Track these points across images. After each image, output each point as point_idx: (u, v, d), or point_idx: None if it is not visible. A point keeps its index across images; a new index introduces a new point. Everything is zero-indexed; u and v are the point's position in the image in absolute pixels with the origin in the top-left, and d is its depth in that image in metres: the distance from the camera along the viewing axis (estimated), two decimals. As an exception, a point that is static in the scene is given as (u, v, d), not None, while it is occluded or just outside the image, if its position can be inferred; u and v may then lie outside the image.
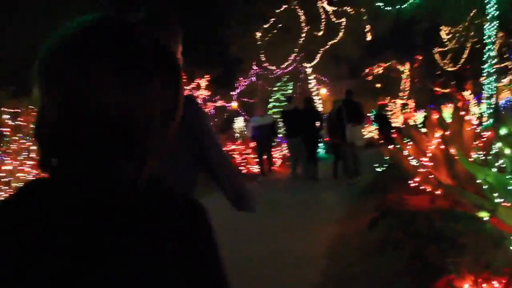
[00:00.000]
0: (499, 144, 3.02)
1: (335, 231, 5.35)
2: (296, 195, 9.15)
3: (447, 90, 39.47)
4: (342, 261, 4.23)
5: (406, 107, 36.18)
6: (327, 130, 11.04)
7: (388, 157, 7.87)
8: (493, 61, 13.91)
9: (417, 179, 5.10)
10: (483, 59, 14.09)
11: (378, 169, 10.80)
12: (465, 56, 34.18)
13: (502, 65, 36.10)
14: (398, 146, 6.24)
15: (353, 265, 3.96)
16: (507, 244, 2.61)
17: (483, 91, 38.78)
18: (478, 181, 3.32)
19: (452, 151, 4.77)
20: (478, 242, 2.72)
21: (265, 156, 12.01)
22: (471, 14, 32.72)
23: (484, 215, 2.98)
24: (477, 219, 3.13)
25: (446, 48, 34.93)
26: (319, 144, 11.54)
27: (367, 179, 10.11)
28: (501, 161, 3.17)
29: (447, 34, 35.44)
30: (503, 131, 2.95)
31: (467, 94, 38.92)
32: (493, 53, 13.86)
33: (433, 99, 40.28)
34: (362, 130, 11.31)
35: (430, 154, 4.90)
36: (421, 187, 5.10)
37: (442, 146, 4.70)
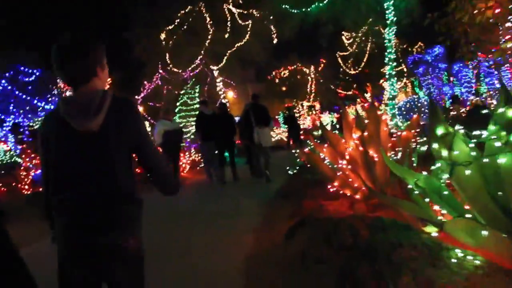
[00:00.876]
0: (435, 145, 2.74)
1: (251, 243, 4.91)
2: (209, 203, 8.61)
3: (350, 92, 41.13)
4: (262, 278, 3.80)
5: (312, 109, 37.10)
6: (238, 133, 11.38)
7: (300, 160, 7.61)
8: (394, 64, 14.40)
9: (335, 183, 4.82)
10: (384, 61, 14.56)
11: (290, 172, 10.61)
12: (365, 60, 35.83)
13: (399, 68, 38.54)
14: (312, 148, 5.97)
15: (274, 284, 3.55)
16: (449, 259, 2.32)
17: (383, 93, 40.67)
18: (409, 186, 3.05)
19: (371, 152, 4.54)
20: (416, 258, 2.40)
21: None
22: (369, 20, 34.43)
23: (432, 230, 2.70)
24: (411, 229, 2.85)
25: (347, 53, 36.39)
26: (234, 147, 11.38)
27: (279, 182, 9.87)
28: (438, 164, 2.91)
29: (348, 39, 37.00)
30: (439, 130, 2.68)
31: (367, 95, 40.86)
32: (393, 56, 14.34)
33: (337, 101, 41.80)
34: (270, 132, 11.47)
35: (348, 157, 4.64)
36: (340, 192, 4.82)
37: (361, 148, 4.45)
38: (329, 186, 4.96)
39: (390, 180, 4.56)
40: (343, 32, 35.80)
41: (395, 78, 14.49)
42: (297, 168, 10.66)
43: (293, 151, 12.37)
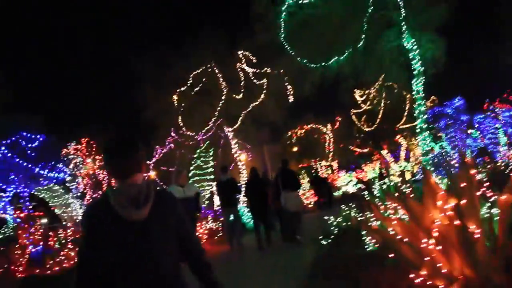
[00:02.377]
0: None
1: None
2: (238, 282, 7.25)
3: (366, 150, 39.97)
4: None
5: (330, 168, 35.87)
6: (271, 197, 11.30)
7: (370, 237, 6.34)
8: (424, 116, 13.29)
9: (422, 272, 3.46)
10: (415, 115, 13.45)
11: (323, 242, 9.27)
12: (379, 116, 34.94)
13: (414, 123, 37.57)
14: (379, 222, 4.71)
15: None
16: None
17: (400, 149, 39.48)
18: None
19: (471, 227, 3.24)
20: None
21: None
22: (381, 78, 33.80)
23: None
24: None
25: (361, 110, 35.61)
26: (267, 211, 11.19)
27: (310, 252, 8.61)
28: None
29: (361, 96, 36.35)
30: None
31: (384, 152, 39.65)
32: (423, 108, 13.25)
33: (353, 159, 40.62)
34: (298, 197, 11.46)
35: (436, 233, 3.34)
36: (428, 283, 3.46)
37: (457, 221, 3.17)
38: (411, 275, 3.58)
39: (498, 264, 3.25)
40: (355, 90, 35.41)
41: (427, 132, 13.31)
42: (332, 236, 9.35)
43: (326, 217, 11.04)
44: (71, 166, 21.03)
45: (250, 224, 15.20)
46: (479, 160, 28.62)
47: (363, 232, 7.51)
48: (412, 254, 3.68)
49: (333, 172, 35.65)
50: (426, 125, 13.20)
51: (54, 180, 17.40)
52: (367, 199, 12.77)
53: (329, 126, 33.54)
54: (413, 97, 13.31)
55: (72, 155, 21.01)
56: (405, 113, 35.09)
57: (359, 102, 35.75)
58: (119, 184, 2.17)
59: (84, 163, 22.07)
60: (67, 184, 20.82)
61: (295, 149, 35.20)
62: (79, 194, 21.66)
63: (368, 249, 6.85)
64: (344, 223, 9.72)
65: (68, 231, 11.48)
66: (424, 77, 13.30)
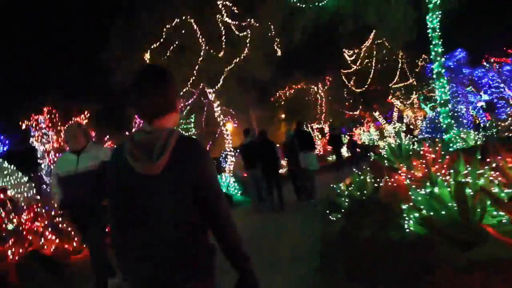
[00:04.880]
0: None
1: None
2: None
3: (357, 113, 37.98)
4: None
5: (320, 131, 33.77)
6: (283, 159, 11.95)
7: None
8: (442, 59, 11.02)
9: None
10: (431, 57, 11.16)
11: (332, 217, 7.17)
12: (371, 76, 32.88)
13: (408, 82, 35.53)
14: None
15: None
16: None
17: (392, 111, 37.50)
18: None
19: None
20: None
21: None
22: (372, 34, 31.45)
23: None
24: None
25: (351, 70, 33.51)
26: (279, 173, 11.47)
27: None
28: None
29: (350, 56, 34.11)
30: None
31: (376, 114, 37.70)
32: (440, 49, 10.97)
33: (345, 122, 38.55)
34: (315, 156, 11.74)
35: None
36: None
37: None
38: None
39: None
40: (344, 50, 33.25)
41: (445, 78, 11.06)
42: (342, 211, 7.19)
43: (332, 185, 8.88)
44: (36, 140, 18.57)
45: (237, 196, 14.52)
46: (481, 118, 26.74)
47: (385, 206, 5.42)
48: None
49: (325, 136, 33.51)
50: (443, 70, 10.96)
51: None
52: (373, 160, 10.75)
53: (320, 85, 31.11)
54: (429, 35, 10.97)
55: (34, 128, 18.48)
56: (398, 72, 33.26)
57: (348, 62, 33.75)
58: (144, 127, 1.99)
59: (49, 136, 19.52)
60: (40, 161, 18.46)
61: (283, 115, 32.98)
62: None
63: (406, 231, 4.65)
64: (358, 193, 7.47)
65: (24, 215, 9.12)
66: (440, 12, 10.99)
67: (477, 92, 28.52)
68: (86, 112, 18.31)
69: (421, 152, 7.67)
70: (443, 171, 6.79)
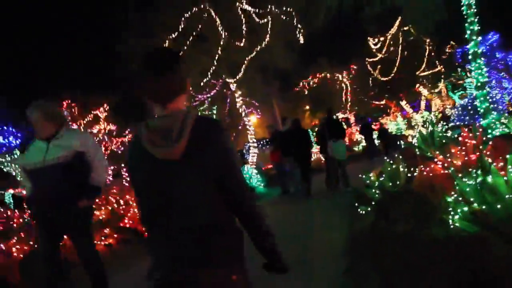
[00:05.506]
0: None
1: None
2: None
3: (382, 102, 36.93)
4: None
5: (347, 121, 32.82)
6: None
7: None
8: (478, 39, 10.17)
9: None
10: (466, 36, 10.29)
11: (361, 210, 6.52)
12: (397, 65, 31.86)
13: (436, 70, 34.30)
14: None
15: None
16: None
17: (420, 100, 36.35)
18: None
19: None
20: None
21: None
22: (398, 21, 30.41)
23: None
24: None
25: (377, 58, 32.57)
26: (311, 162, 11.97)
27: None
28: None
29: (375, 45, 33.10)
30: None
31: (403, 104, 36.58)
32: (476, 28, 10.12)
33: (370, 112, 37.50)
34: (344, 145, 11.49)
35: None
36: None
37: None
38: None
39: None
40: (369, 38, 32.37)
41: (482, 59, 10.19)
42: (373, 203, 6.53)
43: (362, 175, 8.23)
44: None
45: (260, 188, 14.32)
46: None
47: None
48: None
49: (351, 126, 32.58)
50: (480, 50, 10.11)
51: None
52: (405, 148, 10.00)
53: (345, 73, 30.16)
54: (464, 14, 10.12)
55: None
56: (425, 60, 32.18)
57: (373, 51, 32.79)
58: (158, 112, 1.93)
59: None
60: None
61: (307, 106, 32.14)
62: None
63: (451, 227, 3.97)
64: (390, 183, 6.77)
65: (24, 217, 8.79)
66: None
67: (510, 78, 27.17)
68: (104, 105, 17.97)
69: (460, 139, 6.92)
70: (487, 159, 6.07)
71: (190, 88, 2.12)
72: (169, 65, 1.88)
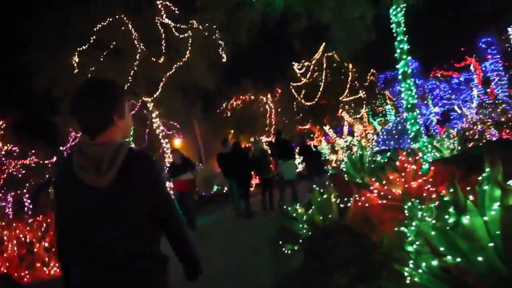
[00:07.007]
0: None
1: None
2: None
3: (307, 127, 36.96)
4: None
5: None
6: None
7: None
8: (408, 58, 9.63)
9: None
10: (395, 55, 9.71)
11: (286, 250, 5.42)
12: (321, 90, 32.03)
13: (357, 95, 34.83)
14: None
15: None
16: None
17: (342, 125, 36.60)
18: None
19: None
20: None
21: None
22: (321, 47, 30.65)
23: None
24: None
25: (301, 83, 32.68)
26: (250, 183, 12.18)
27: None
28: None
29: (300, 69, 33.20)
30: None
31: (326, 129, 36.80)
32: (405, 46, 9.59)
33: (295, 136, 37.26)
34: (294, 165, 11.85)
35: None
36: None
37: None
38: None
39: None
40: (293, 63, 32.56)
41: (412, 80, 9.65)
42: (300, 241, 5.46)
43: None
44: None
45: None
46: (434, 130, 26.16)
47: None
48: None
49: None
50: (409, 70, 9.56)
51: None
52: (335, 174, 9.13)
53: (269, 96, 29.62)
54: (394, 31, 9.56)
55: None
56: (347, 86, 32.65)
57: (298, 75, 32.88)
58: (87, 142, 1.86)
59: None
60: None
61: (232, 130, 31.17)
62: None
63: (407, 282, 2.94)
64: (321, 217, 5.70)
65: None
66: (405, 4, 9.64)
67: (427, 105, 28.05)
68: (1, 122, 15.76)
69: (397, 164, 6.10)
70: (428, 187, 5.23)
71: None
72: (98, 99, 1.82)
